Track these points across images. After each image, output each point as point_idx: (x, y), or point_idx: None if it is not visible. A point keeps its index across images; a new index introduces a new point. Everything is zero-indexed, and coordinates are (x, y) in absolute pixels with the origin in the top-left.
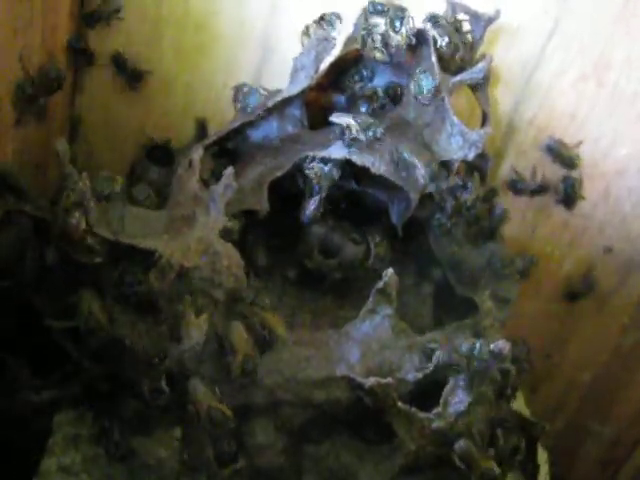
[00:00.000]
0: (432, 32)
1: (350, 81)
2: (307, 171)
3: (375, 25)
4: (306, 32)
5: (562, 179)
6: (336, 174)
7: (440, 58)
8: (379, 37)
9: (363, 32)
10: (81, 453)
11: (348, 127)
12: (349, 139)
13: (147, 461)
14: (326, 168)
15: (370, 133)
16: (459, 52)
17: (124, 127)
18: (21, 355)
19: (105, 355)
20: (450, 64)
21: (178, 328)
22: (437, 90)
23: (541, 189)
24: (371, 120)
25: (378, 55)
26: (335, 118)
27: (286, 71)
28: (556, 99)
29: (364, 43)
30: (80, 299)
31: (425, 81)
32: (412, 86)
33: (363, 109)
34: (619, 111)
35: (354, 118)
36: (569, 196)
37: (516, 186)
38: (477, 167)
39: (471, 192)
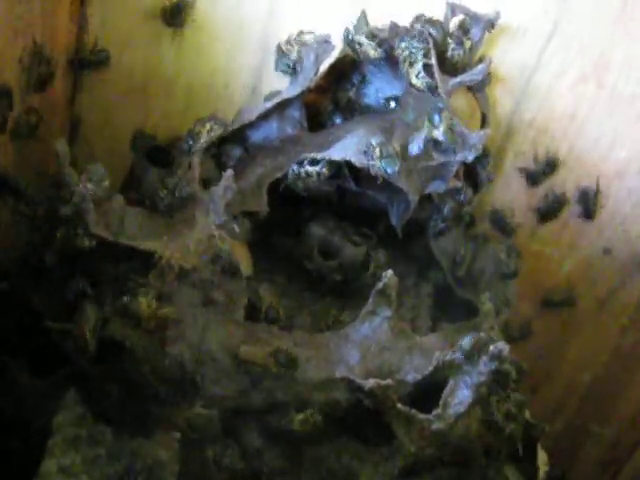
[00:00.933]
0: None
1: (342, 90)
2: (298, 172)
3: (356, 27)
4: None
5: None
6: (325, 175)
7: (440, 56)
8: (363, 37)
9: (345, 33)
10: (81, 454)
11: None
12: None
13: (147, 462)
14: (316, 169)
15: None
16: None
17: (124, 128)
18: (21, 356)
19: (105, 357)
20: (448, 58)
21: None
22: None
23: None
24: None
25: (372, 53)
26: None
27: None
28: (556, 100)
29: (352, 48)
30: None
31: (416, 57)
32: (405, 66)
33: (338, 120)
34: (619, 112)
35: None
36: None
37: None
38: (477, 169)
39: (465, 200)
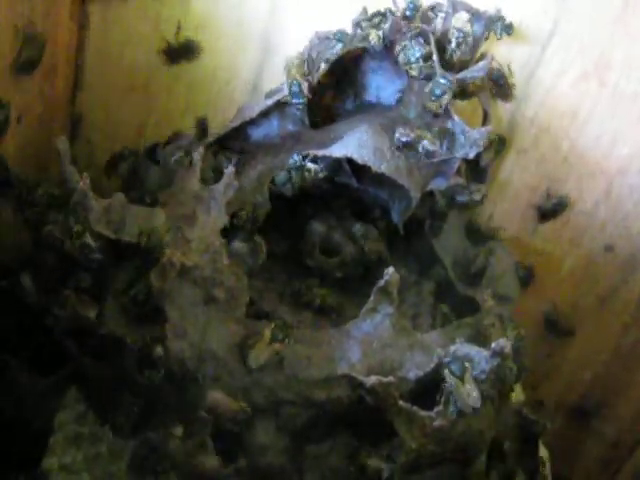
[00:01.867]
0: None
1: (343, 87)
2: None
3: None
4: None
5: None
6: (321, 172)
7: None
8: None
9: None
10: (82, 452)
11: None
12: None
13: (148, 459)
14: (315, 166)
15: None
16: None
17: (125, 126)
18: (21, 355)
19: (105, 354)
20: (450, 55)
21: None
22: (426, 59)
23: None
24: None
25: (373, 36)
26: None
27: None
28: (557, 98)
29: (369, 18)
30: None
31: (412, 50)
32: (400, 57)
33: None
34: (621, 110)
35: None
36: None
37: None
38: (478, 166)
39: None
